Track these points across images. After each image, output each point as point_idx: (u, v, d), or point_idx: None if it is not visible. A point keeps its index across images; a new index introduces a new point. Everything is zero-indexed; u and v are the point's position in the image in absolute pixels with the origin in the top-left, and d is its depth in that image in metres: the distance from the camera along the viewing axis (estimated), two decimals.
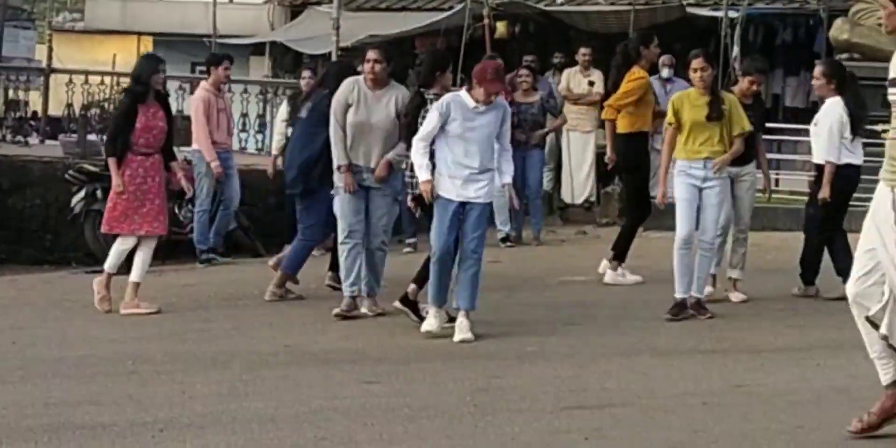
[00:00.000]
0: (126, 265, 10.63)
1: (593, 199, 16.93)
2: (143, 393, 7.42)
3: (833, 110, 10.44)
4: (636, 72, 11.47)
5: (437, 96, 9.44)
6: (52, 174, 15.90)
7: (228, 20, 23.40)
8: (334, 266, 11.06)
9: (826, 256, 10.67)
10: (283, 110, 14.40)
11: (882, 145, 6.15)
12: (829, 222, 10.59)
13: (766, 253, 12.73)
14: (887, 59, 6.21)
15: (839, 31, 16.74)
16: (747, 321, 9.86)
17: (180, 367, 8.24)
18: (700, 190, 9.83)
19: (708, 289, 10.36)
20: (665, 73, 15.08)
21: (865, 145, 10.76)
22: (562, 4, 20.73)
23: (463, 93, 9.22)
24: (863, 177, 10.46)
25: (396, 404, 7.06)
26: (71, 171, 14.59)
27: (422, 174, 9.11)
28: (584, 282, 11.79)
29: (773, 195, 11.98)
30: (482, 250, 9.20)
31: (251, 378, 7.85)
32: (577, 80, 16.70)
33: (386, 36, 19.13)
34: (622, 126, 11.63)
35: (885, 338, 5.86)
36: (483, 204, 9.18)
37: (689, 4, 19.42)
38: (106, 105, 19.40)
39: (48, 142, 19.44)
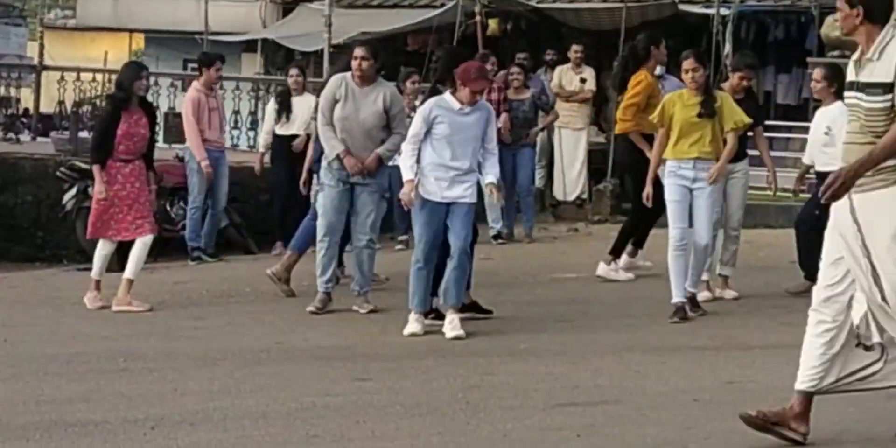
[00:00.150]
0: (119, 262, 10.65)
1: (585, 196, 16.94)
2: (135, 390, 7.41)
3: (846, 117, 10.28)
4: (639, 75, 11.34)
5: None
6: (44, 171, 15.88)
7: (220, 17, 23.37)
8: None
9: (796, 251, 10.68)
10: (270, 108, 14.40)
11: None
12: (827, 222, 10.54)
13: (759, 250, 12.74)
14: None
15: (831, 28, 16.71)
16: (739, 318, 9.87)
17: (172, 365, 8.23)
18: (690, 191, 9.82)
19: (706, 294, 10.35)
20: (657, 70, 15.03)
21: None
22: (554, 1, 20.71)
23: (447, 95, 9.21)
24: None
25: (388, 401, 7.06)
26: (62, 169, 14.56)
27: (406, 173, 9.14)
28: (576, 279, 11.79)
29: (765, 192, 11.93)
30: (470, 248, 9.21)
31: (243, 375, 7.84)
32: (568, 77, 16.71)
33: (378, 33, 19.13)
34: (627, 128, 11.49)
35: (858, 336, 5.82)
36: (469, 203, 9.18)
37: (681, 1, 19.34)
38: (97, 102, 19.36)
39: (40, 139, 19.44)
